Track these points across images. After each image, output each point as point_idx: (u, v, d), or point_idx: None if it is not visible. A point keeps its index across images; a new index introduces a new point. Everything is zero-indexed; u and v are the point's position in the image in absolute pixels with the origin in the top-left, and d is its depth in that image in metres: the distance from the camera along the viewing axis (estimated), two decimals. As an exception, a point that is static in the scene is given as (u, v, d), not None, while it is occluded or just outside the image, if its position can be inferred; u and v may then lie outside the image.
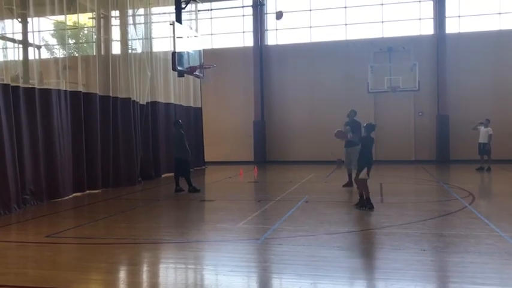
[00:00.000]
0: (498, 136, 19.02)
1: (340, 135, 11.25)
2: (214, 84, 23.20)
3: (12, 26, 13.42)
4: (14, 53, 12.04)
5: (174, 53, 12.38)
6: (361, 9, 23.75)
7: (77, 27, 15.46)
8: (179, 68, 12.70)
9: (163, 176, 17.64)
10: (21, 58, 12.63)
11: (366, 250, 6.58)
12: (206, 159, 22.16)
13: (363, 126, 10.43)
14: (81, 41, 18.17)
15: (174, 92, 19.21)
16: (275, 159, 24.39)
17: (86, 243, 7.51)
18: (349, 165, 13.30)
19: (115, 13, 16.91)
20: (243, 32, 25.15)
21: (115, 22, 16.96)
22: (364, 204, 9.55)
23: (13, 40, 12.27)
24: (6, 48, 11.84)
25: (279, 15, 13.91)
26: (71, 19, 15.20)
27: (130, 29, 16.52)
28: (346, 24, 23.88)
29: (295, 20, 24.49)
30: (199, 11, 21.50)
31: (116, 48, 16.33)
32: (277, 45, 24.83)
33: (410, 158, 22.91)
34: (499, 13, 22.33)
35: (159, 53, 18.13)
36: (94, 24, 16.43)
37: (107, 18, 15.87)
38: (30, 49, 12.93)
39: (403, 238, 7.44)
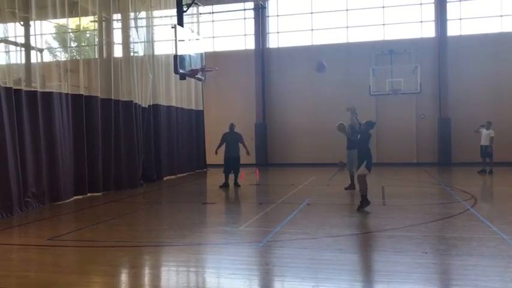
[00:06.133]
0: (500, 138, 18.98)
1: (341, 128, 12.63)
2: (215, 87, 23.25)
3: (14, 29, 13.44)
4: (17, 56, 12.08)
5: (175, 56, 12.39)
6: (363, 12, 23.76)
7: (79, 31, 15.50)
8: (181, 71, 12.70)
9: (165, 178, 17.64)
10: (23, 61, 12.67)
11: (368, 253, 6.56)
12: (207, 162, 22.16)
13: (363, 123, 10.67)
14: (83, 44, 18.21)
15: (176, 94, 19.25)
16: (277, 161, 24.38)
17: (87, 246, 7.51)
18: (351, 167, 13.30)
19: (117, 16, 16.96)
20: (245, 35, 25.18)
21: (117, 25, 17.02)
22: (364, 204, 9.55)
23: (15, 43, 12.29)
24: (8, 51, 11.85)
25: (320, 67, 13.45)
26: (73, 22, 15.24)
27: (132, 32, 16.55)
28: (347, 27, 23.90)
29: (296, 23, 24.53)
30: (200, 14, 21.55)
31: (117, 51, 16.37)
32: (278, 48, 24.86)
33: (412, 160, 22.87)
34: (501, 15, 22.33)
35: (161, 56, 18.16)
36: (96, 28, 16.47)
37: (109, 22, 15.90)
38: (33, 52, 12.98)
39: (405, 241, 7.42)
